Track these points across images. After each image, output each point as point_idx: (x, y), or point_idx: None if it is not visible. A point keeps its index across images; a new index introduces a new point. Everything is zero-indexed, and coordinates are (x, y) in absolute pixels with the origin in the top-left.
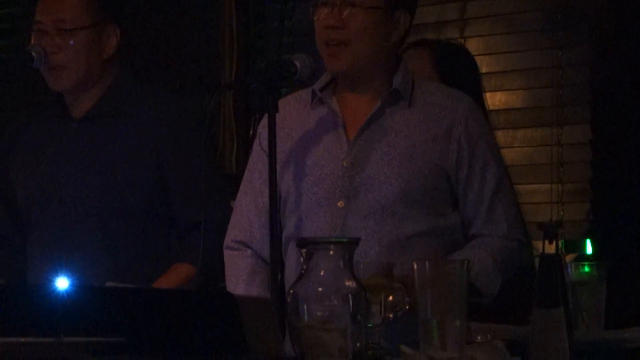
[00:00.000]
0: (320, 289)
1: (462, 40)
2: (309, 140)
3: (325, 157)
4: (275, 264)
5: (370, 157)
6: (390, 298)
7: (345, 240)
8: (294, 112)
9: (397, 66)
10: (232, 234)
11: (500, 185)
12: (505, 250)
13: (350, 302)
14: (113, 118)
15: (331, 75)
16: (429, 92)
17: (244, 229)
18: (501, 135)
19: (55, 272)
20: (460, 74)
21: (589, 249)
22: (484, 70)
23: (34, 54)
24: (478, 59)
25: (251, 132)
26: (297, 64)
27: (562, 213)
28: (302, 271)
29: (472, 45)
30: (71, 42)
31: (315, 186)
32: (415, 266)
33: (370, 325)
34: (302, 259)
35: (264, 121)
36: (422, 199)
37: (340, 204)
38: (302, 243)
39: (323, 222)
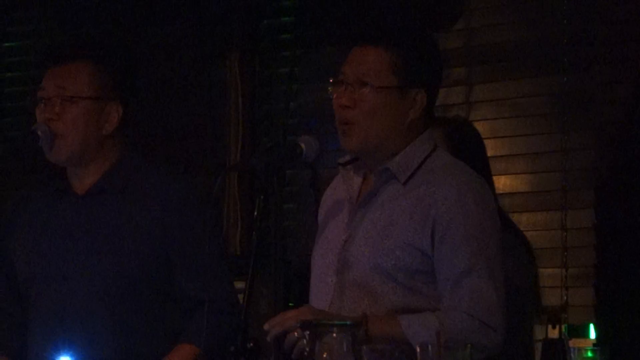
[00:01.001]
0: None
1: None
2: (332, 215)
3: (333, 232)
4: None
5: (357, 234)
6: None
7: (348, 323)
8: (340, 184)
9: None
10: None
11: (471, 269)
12: (458, 322)
13: None
14: (117, 194)
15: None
16: (432, 170)
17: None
18: None
19: (57, 350)
20: (469, 151)
21: (592, 334)
22: (489, 153)
23: (39, 132)
24: None
25: (255, 213)
26: (303, 145)
27: (565, 297)
28: (306, 353)
29: (477, 129)
30: (70, 111)
31: (320, 259)
32: (418, 349)
33: None
34: (304, 341)
35: (324, 195)
36: (395, 276)
37: (331, 280)
38: (305, 325)
39: (319, 296)
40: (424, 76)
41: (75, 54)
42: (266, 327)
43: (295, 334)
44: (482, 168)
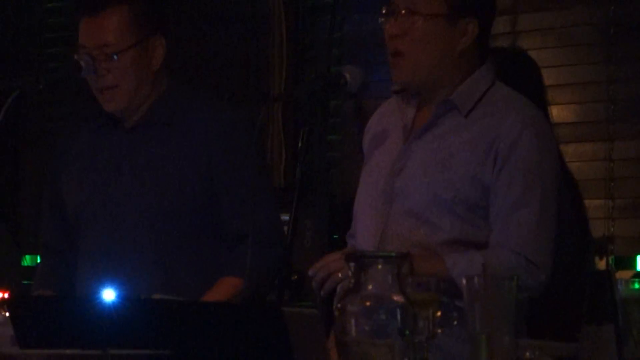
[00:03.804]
0: (368, 304)
1: None
2: (380, 142)
3: (384, 160)
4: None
5: (413, 163)
6: (439, 313)
7: (393, 254)
8: (389, 112)
9: (472, 73)
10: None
11: (524, 203)
12: (504, 260)
13: (398, 317)
14: (164, 126)
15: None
16: (494, 102)
17: (354, 222)
18: None
19: (104, 283)
20: (522, 82)
21: (639, 266)
22: None
23: (82, 63)
24: None
25: (300, 144)
26: (347, 75)
27: (612, 229)
28: (350, 285)
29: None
30: (118, 64)
31: (371, 187)
32: (464, 281)
33: (418, 340)
34: (350, 273)
35: (370, 122)
36: (454, 208)
37: (384, 207)
38: (350, 257)
39: (369, 224)
40: (476, 5)
41: (108, 1)
42: (311, 272)
43: (340, 274)
44: (540, 99)
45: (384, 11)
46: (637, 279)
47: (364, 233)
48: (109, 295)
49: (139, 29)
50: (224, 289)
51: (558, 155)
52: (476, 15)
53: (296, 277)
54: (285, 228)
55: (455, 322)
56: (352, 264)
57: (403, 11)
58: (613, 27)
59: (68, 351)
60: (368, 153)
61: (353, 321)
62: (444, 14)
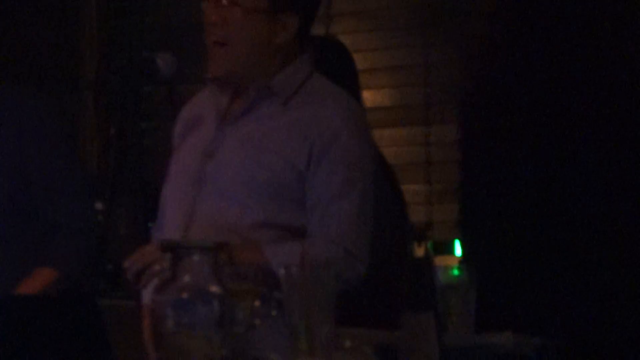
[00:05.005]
0: (184, 295)
1: None
2: (193, 129)
3: (196, 146)
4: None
5: (226, 147)
6: (257, 304)
7: (210, 244)
8: (203, 99)
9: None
10: None
11: (344, 195)
12: (323, 250)
13: (216, 308)
14: None
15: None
16: (312, 92)
17: (161, 210)
18: None
19: None
20: (333, 68)
21: (458, 251)
22: None
23: None
24: None
25: (112, 130)
26: (159, 62)
27: (431, 214)
28: (167, 276)
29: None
30: None
31: (181, 172)
32: (282, 271)
33: (236, 331)
34: (165, 263)
35: (183, 109)
36: (265, 190)
37: (193, 191)
38: (166, 247)
39: (177, 207)
40: (297, 0)
41: None
42: (126, 264)
43: (157, 266)
44: (351, 84)
45: None
46: (457, 265)
47: (170, 218)
48: None
49: None
50: (38, 281)
51: (373, 144)
52: (297, 10)
53: (111, 266)
54: (99, 217)
55: (274, 313)
56: (168, 254)
57: (224, 1)
58: (427, 9)
59: None
60: (179, 140)
61: (169, 313)
62: (264, 10)
